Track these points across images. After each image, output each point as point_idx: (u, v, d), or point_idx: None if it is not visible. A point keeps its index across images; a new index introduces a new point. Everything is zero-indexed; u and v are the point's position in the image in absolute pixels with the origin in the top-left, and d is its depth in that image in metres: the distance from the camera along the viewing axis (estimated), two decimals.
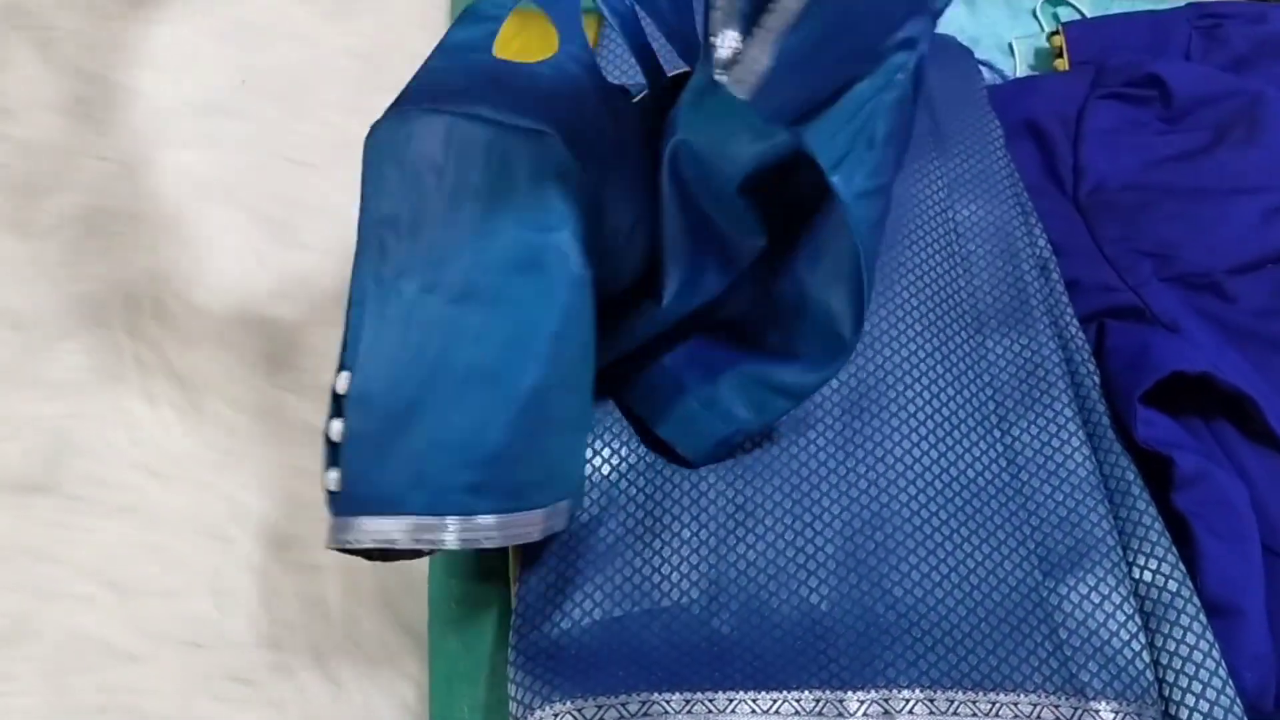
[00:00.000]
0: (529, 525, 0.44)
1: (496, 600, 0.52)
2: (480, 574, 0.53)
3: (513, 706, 0.46)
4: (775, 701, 0.45)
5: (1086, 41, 0.71)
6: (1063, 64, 0.71)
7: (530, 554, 0.49)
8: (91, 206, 0.69)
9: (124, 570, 0.58)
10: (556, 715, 0.44)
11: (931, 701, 0.45)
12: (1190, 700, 0.46)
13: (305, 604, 0.56)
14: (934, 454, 0.53)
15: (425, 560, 0.56)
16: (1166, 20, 0.70)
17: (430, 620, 0.53)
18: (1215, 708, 0.46)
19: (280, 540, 0.58)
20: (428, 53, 0.77)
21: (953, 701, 0.45)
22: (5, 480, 0.59)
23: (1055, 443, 0.53)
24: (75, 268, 0.67)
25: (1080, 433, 0.54)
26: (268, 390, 0.63)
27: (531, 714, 0.45)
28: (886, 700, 0.45)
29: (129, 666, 0.55)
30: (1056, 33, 0.72)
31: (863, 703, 0.45)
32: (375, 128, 0.43)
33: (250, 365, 0.64)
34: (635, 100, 0.49)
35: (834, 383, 0.54)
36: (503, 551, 0.52)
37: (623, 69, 0.66)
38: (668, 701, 0.44)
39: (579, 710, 0.44)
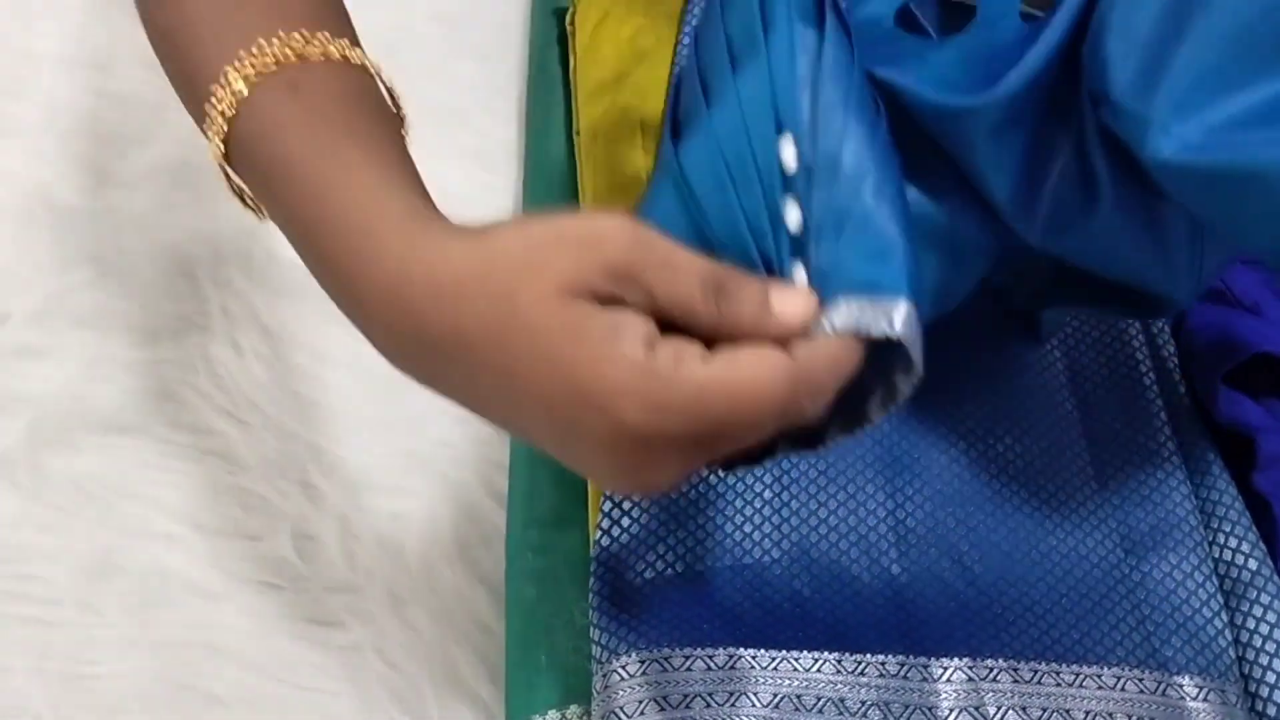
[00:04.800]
0: None
1: (574, 550, 0.51)
2: (557, 524, 0.52)
3: (596, 651, 0.45)
4: (859, 664, 0.44)
5: None
6: None
7: (610, 505, 0.49)
8: (180, 159, 0.69)
9: (208, 512, 0.57)
10: (643, 662, 0.44)
11: (1015, 671, 0.44)
12: (1271, 678, 0.45)
13: (384, 552, 0.56)
14: (1015, 432, 0.52)
15: (503, 512, 0.55)
16: None
17: (508, 570, 0.52)
18: None
19: (361, 489, 0.58)
20: (511, 19, 0.77)
21: (1036, 671, 0.44)
22: (95, 421, 0.59)
23: (1137, 423, 0.52)
24: (164, 217, 0.66)
25: (1162, 413, 0.52)
26: (351, 345, 0.61)
27: (616, 659, 0.44)
28: (971, 668, 0.44)
29: (210, 604, 0.55)
30: None
31: (946, 669, 0.44)
32: None
33: (332, 319, 0.63)
34: None
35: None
36: (581, 502, 0.51)
37: None
38: (754, 657, 0.44)
39: (666, 659, 0.44)
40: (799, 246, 0.33)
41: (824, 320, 0.33)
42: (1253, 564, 0.49)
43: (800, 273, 0.33)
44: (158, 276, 0.64)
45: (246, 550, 0.56)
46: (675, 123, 0.38)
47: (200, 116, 0.40)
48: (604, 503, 0.49)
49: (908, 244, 0.33)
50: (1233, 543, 0.49)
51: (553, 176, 0.64)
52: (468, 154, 0.69)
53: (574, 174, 0.63)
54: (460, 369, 0.34)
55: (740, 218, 0.34)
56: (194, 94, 0.41)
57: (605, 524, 0.48)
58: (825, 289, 0.33)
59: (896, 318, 0.32)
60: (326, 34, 0.39)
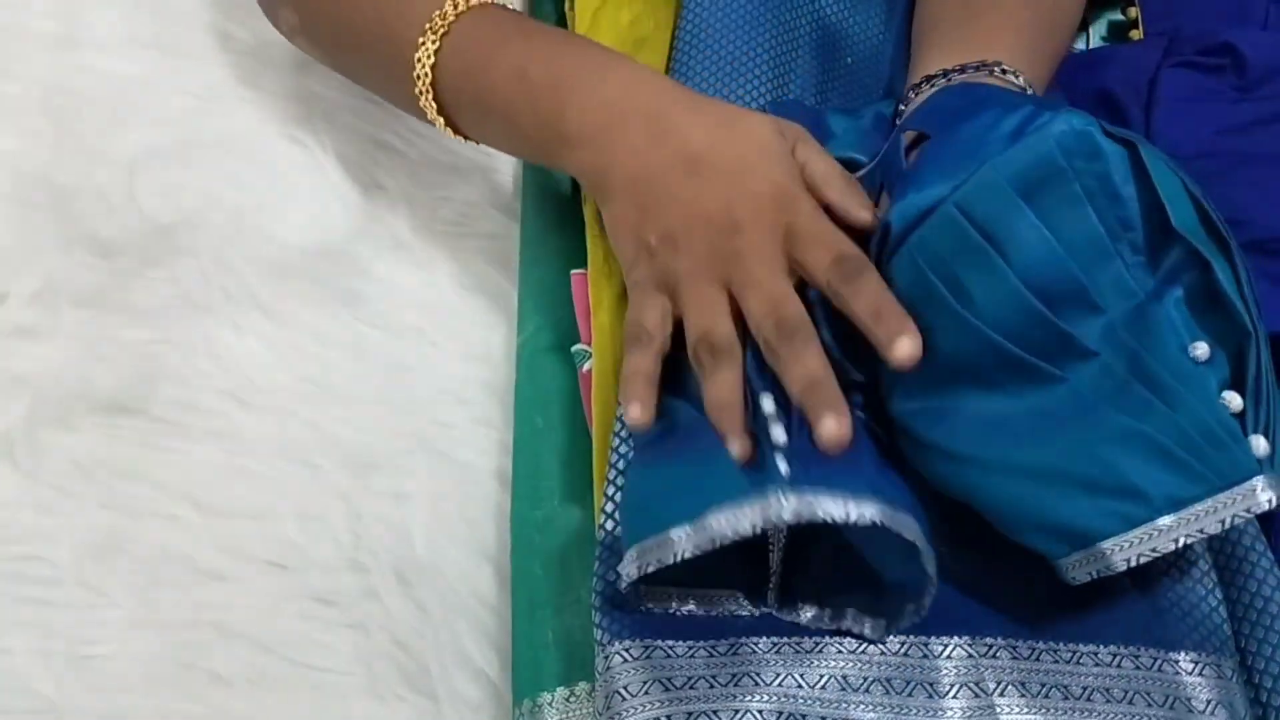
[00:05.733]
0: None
1: (580, 528, 0.51)
2: (563, 502, 0.52)
3: (598, 634, 0.45)
4: (861, 644, 0.44)
5: (1163, 12, 0.69)
6: (1138, 34, 0.69)
7: (614, 490, 0.49)
8: (176, 139, 0.68)
9: (210, 492, 0.57)
10: (646, 646, 0.44)
11: (1014, 648, 0.44)
12: (1267, 650, 0.46)
13: (389, 530, 0.56)
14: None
15: (507, 492, 0.55)
16: None
17: (513, 548, 0.52)
18: None
19: (365, 468, 0.57)
20: (508, 5, 0.76)
21: (1035, 649, 0.44)
22: (96, 402, 0.59)
23: None
24: (161, 198, 0.65)
25: None
26: (352, 324, 0.62)
27: (619, 641, 0.44)
28: (970, 645, 0.44)
29: (215, 585, 0.55)
30: (1132, 4, 0.70)
31: (946, 646, 0.44)
32: None
33: (333, 299, 0.63)
34: None
35: None
36: (586, 481, 0.51)
37: None
38: (756, 644, 0.44)
39: (670, 647, 0.44)
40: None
41: None
42: (1246, 539, 0.49)
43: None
44: (157, 257, 0.63)
45: (250, 530, 0.56)
46: None
47: (406, 71, 0.54)
48: (608, 487, 0.48)
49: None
50: None
51: None
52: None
53: None
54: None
55: None
56: (395, 56, 0.55)
57: (610, 508, 0.48)
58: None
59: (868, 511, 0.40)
60: None
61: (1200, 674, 0.44)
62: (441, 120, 0.55)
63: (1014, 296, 0.42)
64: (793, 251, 0.45)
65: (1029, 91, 0.52)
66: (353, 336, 0.61)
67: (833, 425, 0.40)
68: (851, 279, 0.43)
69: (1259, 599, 0.47)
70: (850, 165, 0.52)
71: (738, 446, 0.41)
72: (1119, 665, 0.44)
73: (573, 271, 0.59)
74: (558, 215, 0.62)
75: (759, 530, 0.39)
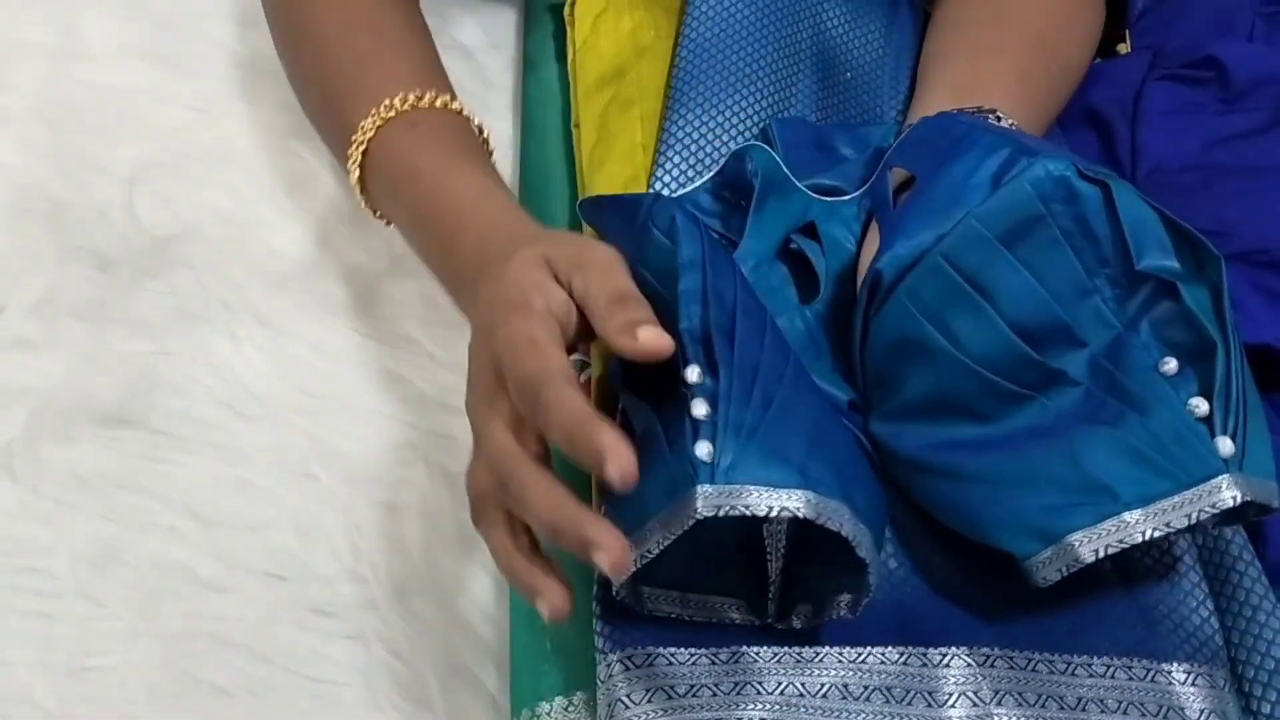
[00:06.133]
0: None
1: None
2: None
3: (599, 643, 0.45)
4: (860, 654, 0.44)
5: (1149, 26, 0.70)
6: (1125, 48, 0.70)
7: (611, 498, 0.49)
8: (173, 151, 0.68)
9: (209, 504, 0.57)
10: (649, 655, 0.44)
11: (1011, 659, 0.45)
12: (1256, 659, 0.46)
13: (387, 541, 0.56)
14: None
15: None
16: (1230, 6, 0.69)
17: None
18: None
19: (363, 480, 0.57)
20: (504, 14, 0.75)
21: (1031, 660, 0.45)
22: (94, 413, 0.59)
23: None
24: (160, 210, 0.65)
25: None
26: (349, 335, 0.62)
27: (621, 649, 0.44)
28: (968, 655, 0.45)
29: (214, 596, 0.55)
30: (1123, 39, 0.71)
31: (945, 655, 0.45)
32: None
33: (331, 311, 0.63)
34: None
35: None
36: (584, 491, 0.51)
37: None
38: (757, 653, 0.44)
39: (671, 654, 0.44)
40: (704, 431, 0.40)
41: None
42: (1234, 549, 0.50)
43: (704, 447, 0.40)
44: (155, 268, 0.63)
45: (249, 541, 0.56)
46: None
47: (339, 152, 0.57)
48: (607, 494, 0.49)
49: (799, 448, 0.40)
50: (1218, 528, 0.50)
51: (550, 171, 0.64)
52: None
53: (571, 167, 0.63)
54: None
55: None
56: (336, 133, 0.57)
57: (607, 512, 0.48)
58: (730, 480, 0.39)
59: (796, 505, 0.39)
60: (435, 92, 0.56)
61: (1193, 684, 0.44)
62: (364, 203, 0.58)
63: (1001, 339, 0.44)
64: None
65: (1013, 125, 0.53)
66: (351, 347, 0.61)
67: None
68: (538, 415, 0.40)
69: (1248, 608, 0.47)
70: (835, 193, 0.54)
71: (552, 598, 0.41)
72: (1113, 676, 0.44)
73: None
74: (556, 225, 0.62)
75: (687, 528, 0.39)
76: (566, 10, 0.66)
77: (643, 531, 0.40)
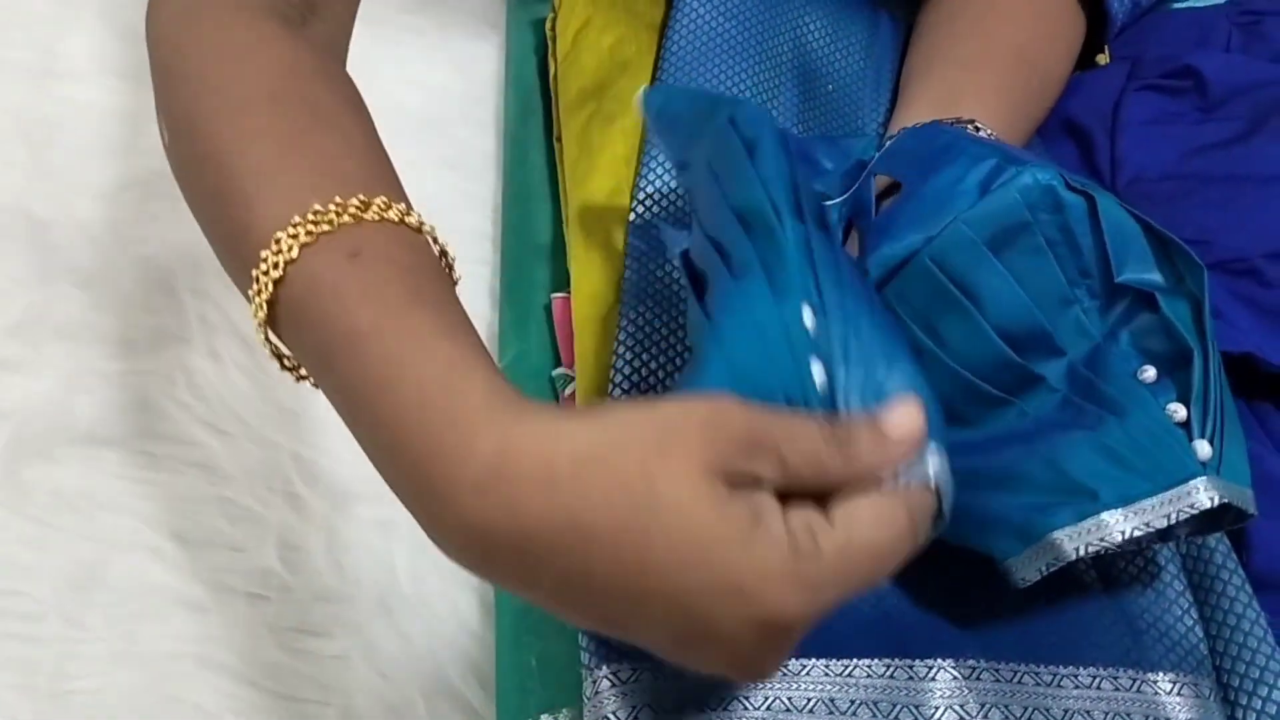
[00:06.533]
0: None
1: None
2: None
3: (585, 658, 0.45)
4: (847, 667, 0.44)
5: (1127, 37, 0.70)
6: (1104, 59, 0.70)
7: None
8: (154, 170, 0.67)
9: (191, 523, 0.56)
10: (634, 669, 0.43)
11: (996, 671, 0.44)
12: (1240, 668, 0.46)
13: (371, 559, 0.55)
14: None
15: None
16: (1207, 17, 0.69)
17: None
18: (1266, 673, 0.45)
19: (346, 497, 0.57)
20: (487, 30, 0.75)
21: (1016, 672, 0.45)
22: (74, 433, 0.58)
23: None
24: (140, 229, 0.65)
25: None
26: None
27: (607, 665, 0.44)
28: (954, 668, 0.44)
29: (197, 616, 0.54)
30: (1103, 50, 0.71)
31: (931, 668, 0.44)
32: None
33: None
34: None
35: None
36: None
37: None
38: None
39: (656, 667, 0.43)
40: (828, 402, 0.36)
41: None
42: (1218, 557, 0.49)
43: None
44: (135, 288, 0.63)
45: (232, 561, 0.55)
46: (696, 283, 0.42)
47: (244, 281, 0.38)
48: None
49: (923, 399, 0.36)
50: (1197, 538, 0.49)
51: (532, 185, 0.64)
52: (446, 164, 0.68)
53: (554, 182, 0.63)
54: (569, 563, 0.30)
55: (777, 382, 0.36)
56: (238, 256, 0.38)
57: None
58: None
59: (932, 466, 0.36)
60: (384, 198, 0.37)
61: (1179, 694, 0.44)
62: (277, 360, 0.41)
63: (986, 342, 0.45)
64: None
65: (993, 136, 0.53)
66: None
67: None
68: None
69: (1232, 616, 0.47)
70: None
71: None
72: (1099, 687, 0.44)
73: (554, 295, 0.59)
74: (539, 239, 0.62)
75: None
76: (548, 26, 0.66)
77: None
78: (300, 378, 0.40)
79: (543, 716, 0.48)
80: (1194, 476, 0.41)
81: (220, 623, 0.54)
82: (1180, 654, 0.45)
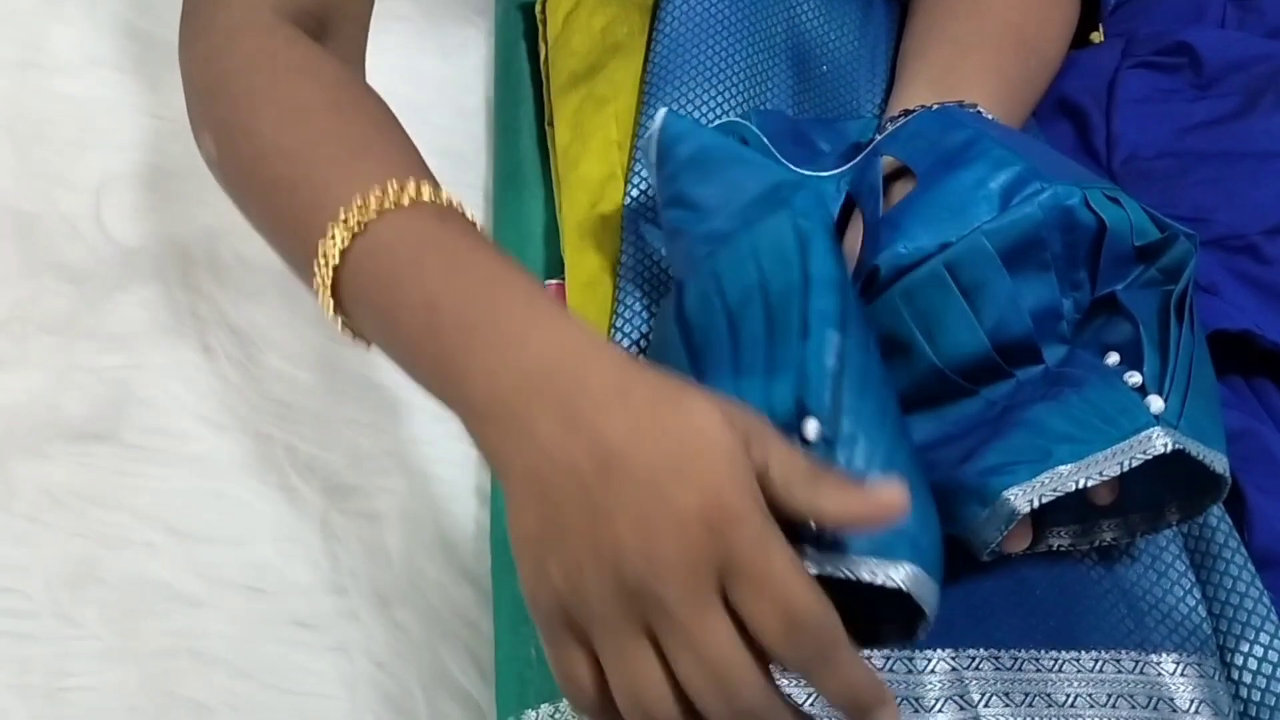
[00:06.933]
0: None
1: None
2: None
3: None
4: None
5: (1122, 15, 0.69)
6: (1099, 37, 0.69)
7: None
8: (140, 163, 0.67)
9: (186, 517, 0.56)
10: None
11: (997, 658, 0.44)
12: (1245, 646, 0.45)
13: (367, 551, 0.54)
14: None
15: (486, 508, 0.54)
16: None
17: (494, 565, 0.51)
18: (1270, 651, 0.45)
19: (341, 490, 0.56)
20: (476, 17, 0.74)
21: (1017, 659, 0.44)
22: (67, 429, 0.57)
23: None
24: (130, 223, 0.64)
25: None
26: (323, 344, 0.61)
27: None
28: (954, 658, 0.44)
29: (193, 611, 0.54)
30: (1096, 28, 0.70)
31: (930, 660, 0.44)
32: None
33: (305, 320, 0.62)
34: None
35: None
36: None
37: None
38: None
39: None
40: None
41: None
42: (1220, 536, 0.49)
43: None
44: (124, 281, 0.62)
45: (226, 555, 0.55)
46: (691, 347, 0.43)
47: (305, 257, 0.43)
48: None
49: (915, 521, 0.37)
50: (1193, 516, 0.49)
51: (523, 171, 0.63)
52: (436, 151, 0.66)
53: (546, 168, 0.62)
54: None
55: None
56: (306, 229, 0.43)
57: None
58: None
59: (898, 575, 0.36)
60: (429, 182, 0.43)
61: (1182, 674, 0.44)
62: (339, 321, 0.44)
63: (978, 347, 0.45)
64: (730, 591, 0.33)
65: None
66: (325, 356, 0.60)
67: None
68: (812, 661, 0.33)
69: (1234, 595, 0.47)
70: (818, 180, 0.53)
71: None
72: (1101, 670, 0.44)
73: (548, 281, 0.58)
74: (531, 226, 0.61)
75: None
76: (538, 8, 0.65)
77: None
78: (359, 340, 0.44)
79: (542, 707, 0.47)
80: (1148, 426, 0.41)
81: (216, 617, 0.53)
82: (1183, 634, 0.45)
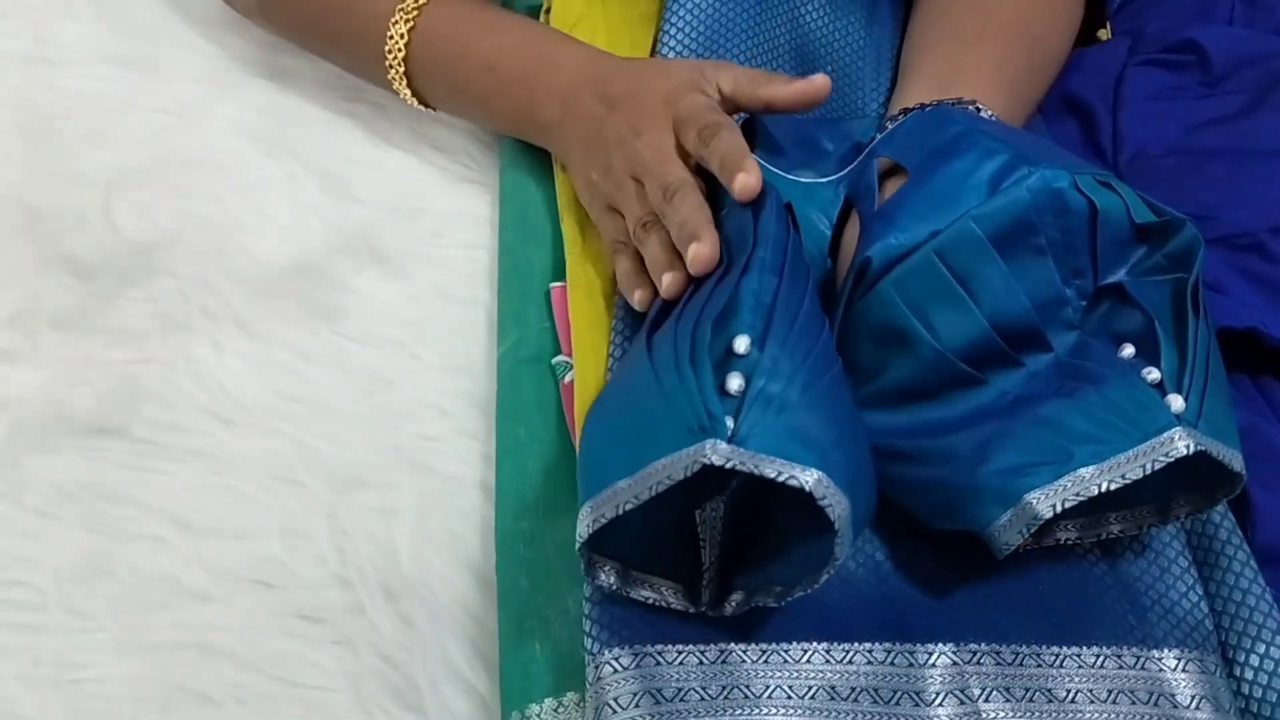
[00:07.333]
0: None
1: (565, 539, 0.50)
2: (548, 513, 0.52)
3: (588, 643, 0.45)
4: (848, 652, 0.44)
5: (1129, 13, 0.69)
6: (1105, 34, 0.69)
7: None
8: (149, 157, 0.67)
9: (194, 512, 0.56)
10: (636, 655, 0.43)
11: (998, 654, 0.44)
12: (1246, 643, 0.46)
13: (375, 545, 0.54)
14: None
15: (491, 503, 0.54)
16: None
17: (499, 561, 0.52)
18: (1272, 648, 0.45)
19: (348, 483, 0.56)
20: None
21: (1018, 654, 0.44)
22: (75, 424, 0.58)
23: None
24: (137, 217, 0.64)
25: None
26: (331, 339, 0.61)
27: (609, 650, 0.44)
28: (955, 652, 0.44)
29: (201, 605, 0.54)
30: (1104, 25, 0.70)
31: (931, 654, 0.44)
32: None
33: (312, 314, 0.62)
34: None
35: None
36: (570, 491, 0.51)
37: None
38: (744, 651, 0.43)
39: (659, 653, 0.43)
40: (734, 407, 0.40)
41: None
42: (1222, 534, 0.49)
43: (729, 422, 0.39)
44: (134, 276, 0.62)
45: (234, 549, 0.55)
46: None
47: (375, 54, 0.61)
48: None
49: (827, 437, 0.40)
50: (1198, 513, 0.49)
51: (531, 170, 0.63)
52: (444, 148, 0.67)
53: (549, 178, 0.62)
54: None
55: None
56: (371, 38, 0.60)
57: None
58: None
59: (805, 478, 0.38)
60: None
61: (1184, 670, 0.44)
62: (416, 101, 0.62)
63: (979, 332, 0.46)
64: (679, 136, 0.51)
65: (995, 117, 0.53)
66: (333, 351, 0.60)
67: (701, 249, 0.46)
68: (708, 141, 0.49)
69: (1237, 592, 0.47)
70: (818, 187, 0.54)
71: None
72: (1102, 666, 0.44)
73: (552, 285, 0.59)
74: (536, 227, 0.61)
75: (691, 473, 0.39)
76: (543, 17, 0.65)
77: (643, 473, 0.40)
78: (433, 109, 0.63)
79: (546, 701, 0.47)
80: (1169, 427, 0.41)
81: (224, 611, 0.54)
82: (1185, 630, 0.45)
